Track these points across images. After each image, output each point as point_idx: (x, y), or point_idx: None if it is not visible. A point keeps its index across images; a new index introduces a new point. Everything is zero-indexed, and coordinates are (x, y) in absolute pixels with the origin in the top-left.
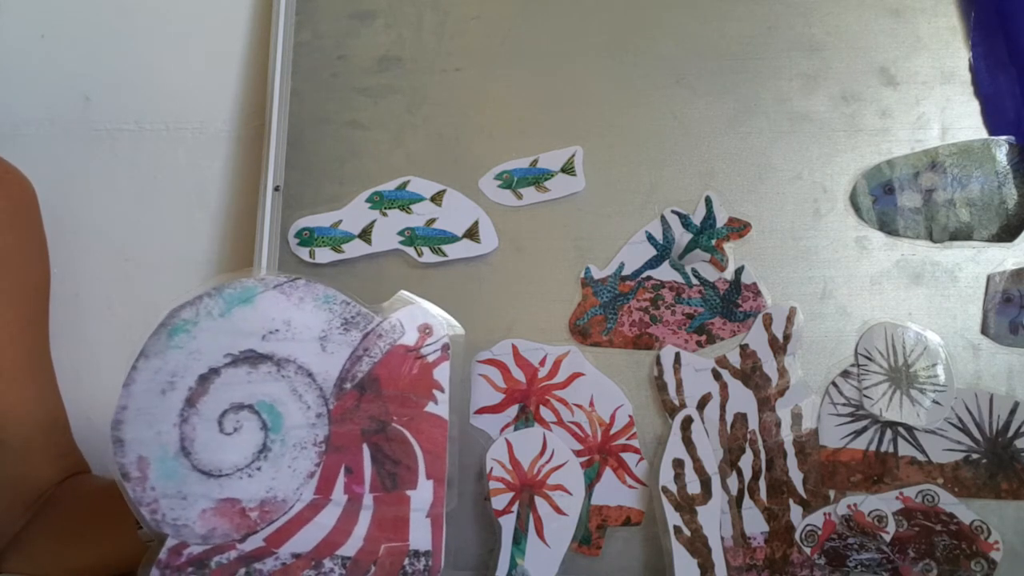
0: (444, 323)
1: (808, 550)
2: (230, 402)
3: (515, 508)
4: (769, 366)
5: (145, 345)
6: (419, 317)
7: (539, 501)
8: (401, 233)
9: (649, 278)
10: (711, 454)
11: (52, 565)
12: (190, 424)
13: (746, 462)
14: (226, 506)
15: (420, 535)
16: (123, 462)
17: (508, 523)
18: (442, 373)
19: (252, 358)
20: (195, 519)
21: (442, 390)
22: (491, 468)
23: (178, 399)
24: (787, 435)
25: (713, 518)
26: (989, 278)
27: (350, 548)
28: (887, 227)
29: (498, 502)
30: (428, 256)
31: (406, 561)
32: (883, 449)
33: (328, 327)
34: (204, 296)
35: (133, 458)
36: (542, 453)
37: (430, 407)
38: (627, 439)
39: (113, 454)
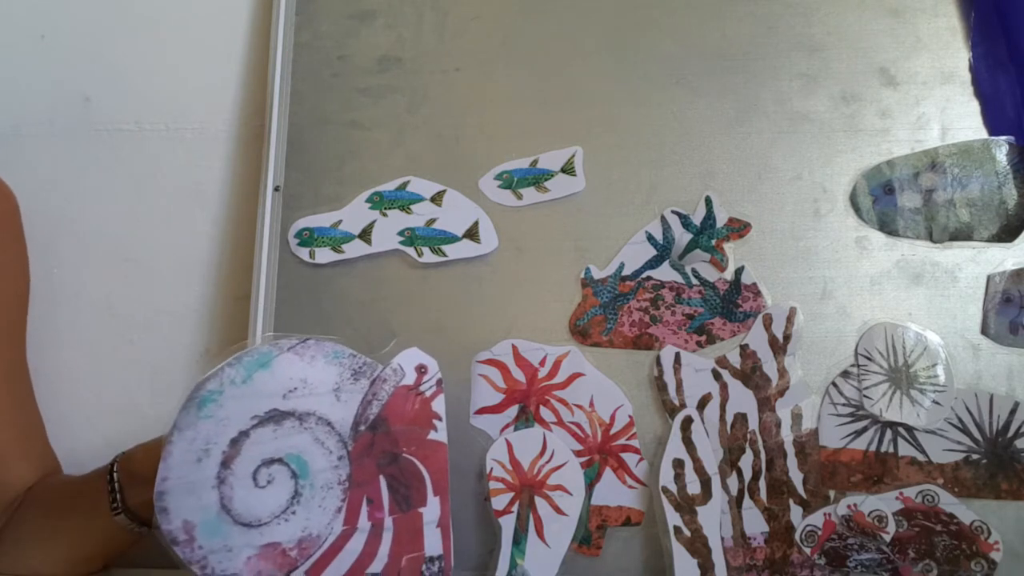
0: (435, 361)
1: (808, 550)
2: (261, 458)
3: (515, 508)
4: (769, 366)
5: (177, 419)
6: (416, 358)
7: (539, 501)
8: (401, 233)
9: (649, 278)
10: (711, 454)
11: (37, 563)
12: (227, 484)
13: (746, 462)
14: (268, 550)
15: (433, 543)
16: (170, 528)
17: (508, 523)
18: (439, 404)
19: (276, 416)
20: (242, 567)
21: (440, 419)
22: (491, 468)
23: (213, 464)
24: (787, 435)
25: (713, 518)
26: (989, 278)
27: (377, 565)
28: (887, 227)
29: (498, 502)
30: (428, 256)
31: (423, 567)
32: (883, 449)
33: (340, 379)
34: (225, 367)
35: (179, 523)
36: (542, 453)
37: (432, 435)
38: (627, 439)
39: (159, 523)
